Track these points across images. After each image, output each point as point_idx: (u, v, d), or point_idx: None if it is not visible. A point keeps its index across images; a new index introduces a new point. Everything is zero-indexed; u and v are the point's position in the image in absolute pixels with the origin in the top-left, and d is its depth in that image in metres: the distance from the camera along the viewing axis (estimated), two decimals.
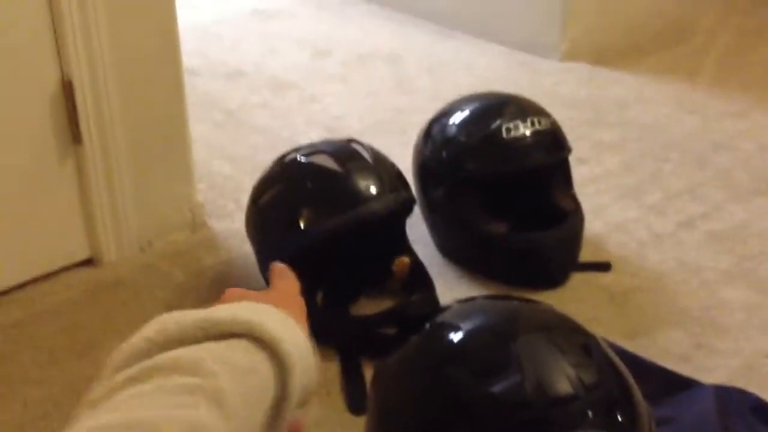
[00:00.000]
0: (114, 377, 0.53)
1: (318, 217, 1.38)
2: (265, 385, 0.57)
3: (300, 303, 0.71)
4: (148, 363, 0.53)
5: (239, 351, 0.57)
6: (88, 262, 1.61)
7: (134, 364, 0.54)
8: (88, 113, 1.50)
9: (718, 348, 1.40)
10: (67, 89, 1.48)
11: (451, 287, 1.54)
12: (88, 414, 0.50)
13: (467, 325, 1.01)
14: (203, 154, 1.96)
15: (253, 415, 0.56)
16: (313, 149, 1.48)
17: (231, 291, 0.69)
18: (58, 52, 1.46)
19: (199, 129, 2.00)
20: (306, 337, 0.65)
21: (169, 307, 1.48)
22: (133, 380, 0.52)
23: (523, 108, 1.59)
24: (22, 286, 1.54)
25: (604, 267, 1.60)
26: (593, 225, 1.69)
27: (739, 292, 1.54)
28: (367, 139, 1.53)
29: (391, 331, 1.36)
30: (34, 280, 1.56)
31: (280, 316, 0.63)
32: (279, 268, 0.76)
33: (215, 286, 1.56)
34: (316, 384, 0.66)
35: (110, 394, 0.52)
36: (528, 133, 1.54)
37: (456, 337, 1.00)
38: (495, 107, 1.60)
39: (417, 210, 1.57)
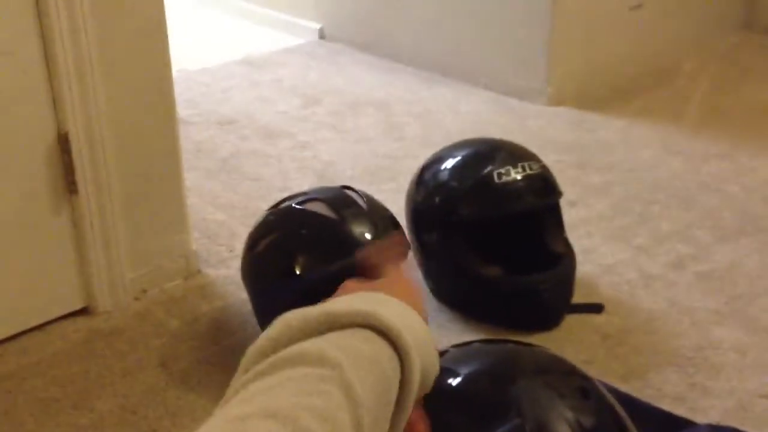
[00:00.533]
0: (243, 376, 0.54)
1: (314, 263, 1.40)
2: (388, 373, 0.58)
3: (417, 289, 0.72)
4: (274, 357, 0.55)
5: (361, 340, 0.58)
6: (82, 312, 1.61)
7: (262, 361, 0.55)
8: (83, 164, 1.52)
9: (711, 388, 1.42)
10: (63, 141, 1.49)
11: (445, 331, 1.55)
12: (220, 410, 0.51)
13: (465, 370, 1.02)
14: (196, 202, 1.97)
15: (379, 403, 0.56)
16: (307, 197, 1.50)
17: (347, 284, 0.70)
18: (55, 105, 1.47)
19: (192, 177, 2.02)
20: (425, 325, 0.66)
21: (164, 356, 1.50)
22: (261, 374, 0.53)
23: (513, 153, 1.62)
24: (16, 336, 1.54)
25: (596, 308, 1.62)
26: (584, 267, 1.71)
27: (730, 332, 1.56)
28: (358, 185, 1.55)
29: None
30: (29, 331, 1.55)
31: (398, 306, 0.64)
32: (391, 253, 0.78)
33: (210, 333, 1.57)
34: (437, 370, 0.67)
35: (240, 389, 0.53)
36: (519, 177, 1.56)
37: (454, 381, 1.01)
38: (486, 153, 1.63)
39: (411, 255, 1.58)
